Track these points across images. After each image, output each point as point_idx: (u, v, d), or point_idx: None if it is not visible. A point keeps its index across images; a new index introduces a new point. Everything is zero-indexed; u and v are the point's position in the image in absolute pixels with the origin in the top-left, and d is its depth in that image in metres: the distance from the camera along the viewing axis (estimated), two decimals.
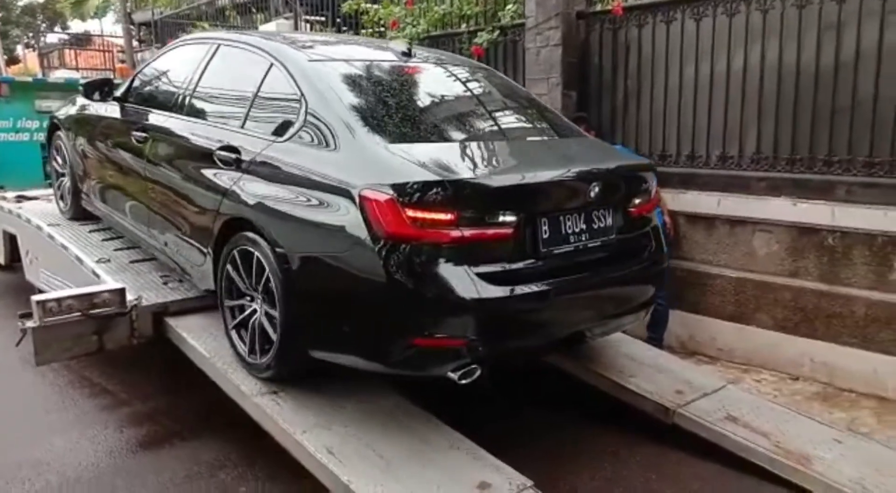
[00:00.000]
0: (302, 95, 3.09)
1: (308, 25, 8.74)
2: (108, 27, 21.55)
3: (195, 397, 3.77)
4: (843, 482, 2.89)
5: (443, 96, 3.51)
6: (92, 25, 23.86)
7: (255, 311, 3.10)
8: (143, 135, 3.94)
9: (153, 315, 3.59)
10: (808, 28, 4.10)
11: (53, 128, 5.26)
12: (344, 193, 2.68)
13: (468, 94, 3.63)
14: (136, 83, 4.43)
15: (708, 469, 3.18)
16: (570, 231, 2.91)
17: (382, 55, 3.68)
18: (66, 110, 5.16)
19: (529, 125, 3.60)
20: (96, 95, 4.47)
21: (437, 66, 3.74)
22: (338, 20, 8.10)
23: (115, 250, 4.41)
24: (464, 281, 2.60)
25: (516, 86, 4.11)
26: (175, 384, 4.02)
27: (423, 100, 3.44)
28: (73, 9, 20.12)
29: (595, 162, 3.16)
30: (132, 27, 15.60)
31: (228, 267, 3.21)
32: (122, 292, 3.45)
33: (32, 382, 4.21)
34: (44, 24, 28.75)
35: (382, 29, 6.85)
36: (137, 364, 4.36)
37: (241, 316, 3.20)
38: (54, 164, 5.25)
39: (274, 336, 2.97)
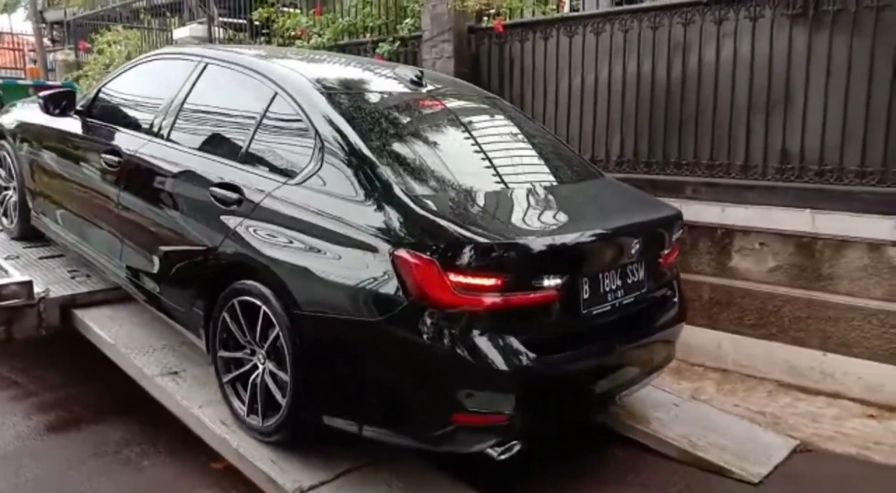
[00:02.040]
0: (316, 133, 2.80)
1: (222, 30, 8.91)
2: (18, 25, 20.84)
3: (100, 386, 3.98)
4: (673, 436, 3.41)
5: (465, 136, 3.24)
6: (1, 22, 23.00)
7: (255, 366, 2.88)
8: (116, 159, 3.58)
9: (60, 307, 3.82)
10: (660, 46, 4.68)
11: None
12: (374, 250, 2.46)
13: (489, 132, 3.41)
14: (102, 97, 4.06)
15: None
16: (607, 289, 2.73)
17: (395, 85, 3.40)
18: (10, 118, 4.74)
19: (554, 166, 3.35)
20: (54, 109, 4.11)
21: (450, 98, 3.48)
22: (255, 24, 8.31)
23: (24, 247, 4.57)
24: (510, 352, 2.42)
25: (525, 116, 3.97)
26: (80, 376, 4.19)
27: (446, 141, 3.13)
28: None
29: (633, 215, 3.01)
30: (44, 26, 15.26)
31: (225, 316, 2.93)
32: (29, 284, 3.66)
33: None
34: None
35: (292, 38, 7.15)
36: (44, 359, 4.49)
37: (238, 371, 2.96)
38: None
39: (281, 399, 2.74)
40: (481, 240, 2.36)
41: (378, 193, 2.57)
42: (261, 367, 2.85)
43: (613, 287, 2.75)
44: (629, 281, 2.83)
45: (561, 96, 5.20)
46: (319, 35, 6.63)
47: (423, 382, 2.46)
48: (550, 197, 3.01)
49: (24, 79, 11.86)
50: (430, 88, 3.40)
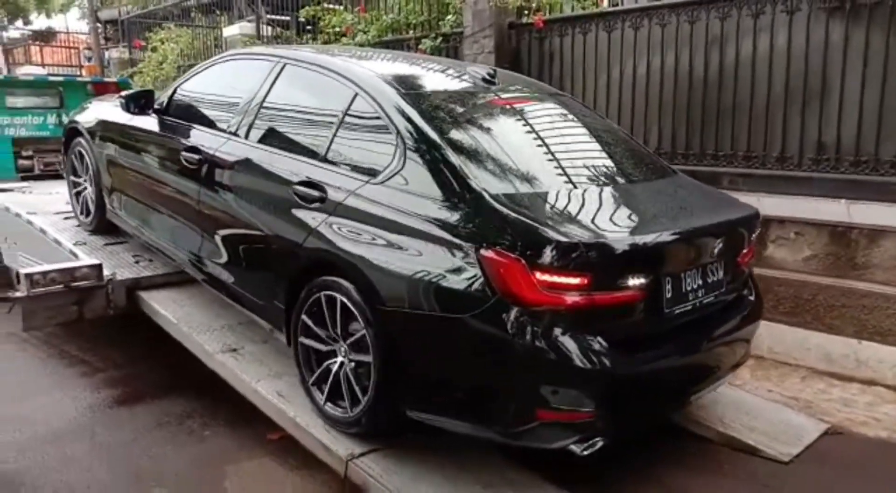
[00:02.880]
0: (398, 133, 2.86)
1: (269, 28, 9.20)
2: (73, 24, 21.61)
3: (160, 365, 4.26)
4: (708, 417, 3.53)
5: (541, 135, 3.25)
6: (56, 21, 23.86)
7: (336, 358, 2.97)
8: (197, 157, 3.67)
9: (126, 289, 4.10)
10: (698, 40, 4.77)
11: (72, 133, 4.99)
12: (459, 248, 2.52)
13: (563, 130, 3.41)
14: (178, 97, 4.17)
15: None
16: (689, 289, 2.75)
17: (468, 84, 3.43)
18: (88, 116, 4.88)
19: (629, 164, 3.35)
20: (134, 108, 4.23)
21: (522, 96, 3.54)
22: (299, 21, 8.58)
23: (90, 234, 4.89)
24: (596, 350, 2.46)
25: (596, 113, 4.02)
26: (141, 355, 4.47)
27: (523, 140, 3.17)
28: (39, 4, 20.16)
29: (714, 214, 3.02)
30: (98, 25, 15.85)
31: (307, 310, 3.03)
32: (99, 267, 3.95)
33: (14, 355, 4.63)
34: (5, 19, 28.54)
35: (338, 34, 7.39)
36: (108, 339, 4.79)
37: (323, 366, 3.04)
38: (73, 172, 5.05)
39: (363, 392, 2.83)
40: (567, 239, 2.40)
41: (461, 192, 2.63)
42: (342, 359, 2.93)
43: (695, 287, 2.77)
44: (709, 281, 2.85)
45: (600, 90, 5.32)
46: (364, 32, 6.85)
47: (508, 378, 2.49)
48: (630, 196, 3.01)
49: (82, 76, 12.37)
50: (502, 86, 3.45)
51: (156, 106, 4.21)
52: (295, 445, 3.21)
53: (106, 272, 4.04)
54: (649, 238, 2.61)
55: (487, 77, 3.43)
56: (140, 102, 4.22)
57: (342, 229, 2.86)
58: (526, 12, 5.76)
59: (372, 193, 2.82)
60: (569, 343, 2.43)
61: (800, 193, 4.33)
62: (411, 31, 6.68)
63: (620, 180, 3.15)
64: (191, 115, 4.02)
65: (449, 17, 6.16)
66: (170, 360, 4.14)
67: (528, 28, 5.72)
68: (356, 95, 3.10)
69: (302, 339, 3.10)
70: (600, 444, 2.58)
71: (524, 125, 3.27)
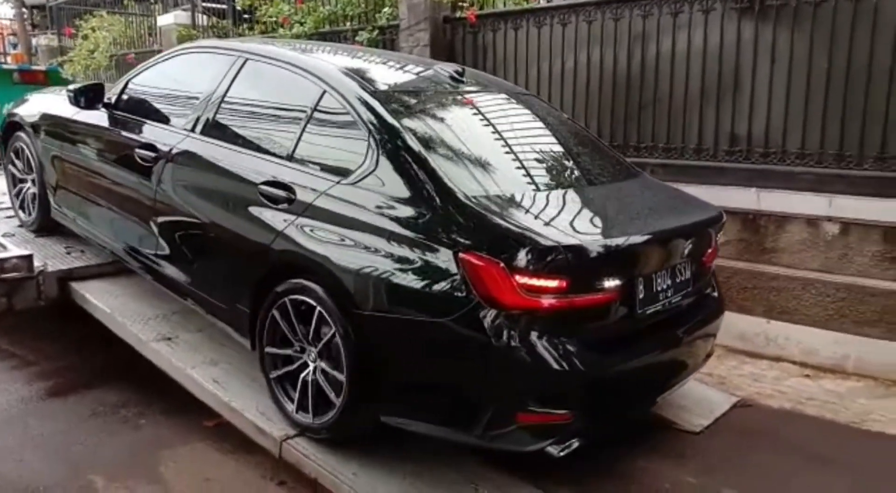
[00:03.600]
0: (370, 133, 2.81)
1: (205, 17, 9.09)
2: None
3: (94, 357, 4.24)
4: None
5: (512, 136, 3.24)
6: None
7: (305, 364, 2.91)
8: (152, 154, 3.54)
9: (58, 280, 4.08)
10: (622, 37, 4.99)
11: (12, 127, 4.75)
12: (437, 251, 2.49)
13: (533, 130, 3.43)
14: (130, 91, 4.02)
15: None
16: (659, 289, 2.80)
17: (438, 82, 3.39)
18: (30, 109, 4.64)
19: (598, 165, 3.37)
20: (82, 101, 4.03)
21: (492, 95, 3.53)
22: (236, 10, 8.51)
23: (18, 225, 4.81)
24: (574, 352, 2.47)
25: (561, 113, 4.05)
26: (75, 348, 4.43)
27: (496, 141, 3.16)
28: None
29: (684, 216, 3.07)
30: (24, 10, 15.28)
31: (275, 314, 2.95)
32: (29, 258, 3.92)
33: None
34: None
35: (275, 25, 7.37)
36: (40, 333, 4.71)
37: (287, 368, 2.97)
38: (12, 168, 4.80)
39: (335, 398, 2.77)
40: (548, 242, 2.40)
41: (438, 194, 2.59)
42: (312, 365, 2.87)
43: (665, 287, 2.82)
44: (678, 280, 2.90)
45: (531, 83, 5.49)
46: (301, 23, 6.86)
47: (488, 382, 2.48)
48: (602, 198, 3.04)
49: (8, 64, 11.94)
50: (470, 85, 3.45)
51: (106, 100, 4.05)
52: (231, 430, 3.27)
53: (37, 263, 4.01)
54: (625, 240, 2.64)
55: (456, 75, 3.42)
56: (89, 96, 4.04)
57: (312, 231, 2.79)
58: (460, 7, 5.89)
59: (344, 194, 2.76)
60: (548, 346, 2.43)
61: (715, 183, 4.60)
62: (348, 23, 6.73)
63: (591, 182, 3.17)
64: (144, 110, 3.88)
65: (385, 9, 6.25)
66: (104, 351, 4.14)
67: (462, 22, 5.85)
68: (324, 92, 3.03)
69: (268, 347, 3.03)
70: (577, 444, 2.61)
71: (496, 126, 3.26)
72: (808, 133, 4.31)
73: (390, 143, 2.77)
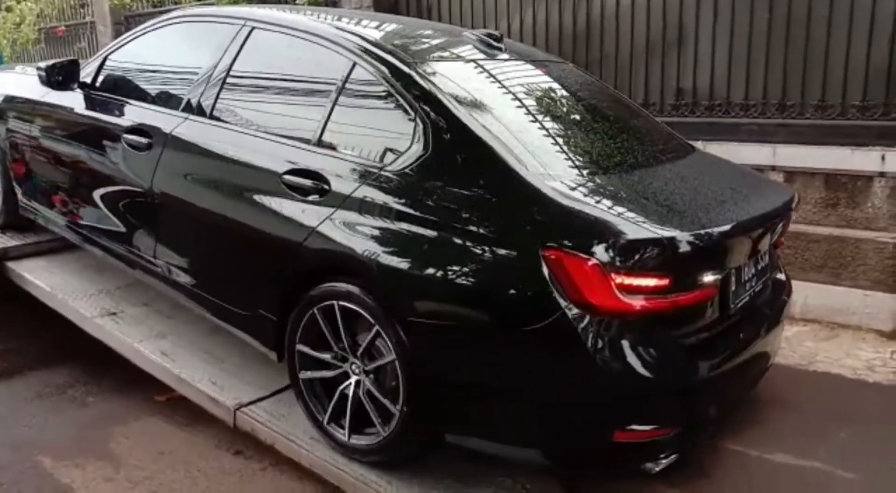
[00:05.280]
0: (416, 110, 2.43)
1: None
2: None
3: (36, 339, 4.08)
4: None
5: (563, 109, 2.89)
6: None
7: (344, 375, 2.56)
8: (145, 140, 3.12)
9: None
10: None
11: None
12: (518, 249, 2.13)
13: (586, 103, 3.02)
14: (110, 68, 3.55)
15: None
16: (746, 279, 2.51)
17: (477, 50, 2.98)
18: None
19: (658, 140, 2.96)
20: (55, 81, 3.58)
21: (534, 65, 3.11)
22: None
23: None
24: (680, 359, 2.21)
25: (601, 82, 3.63)
26: (15, 332, 4.22)
27: (553, 116, 2.78)
28: None
29: (769, 198, 2.68)
30: None
31: (308, 322, 2.58)
32: None
33: None
34: None
35: None
36: None
37: (321, 374, 2.63)
38: None
39: (385, 416, 2.43)
40: (650, 234, 2.05)
41: (508, 180, 2.23)
42: (354, 378, 2.52)
43: (750, 276, 2.55)
44: (759, 267, 2.64)
45: None
46: None
47: (583, 399, 2.16)
48: (676, 178, 2.63)
49: None
50: (509, 52, 3.07)
51: (82, 79, 3.60)
52: (183, 403, 3.20)
53: None
54: (728, 228, 2.27)
55: (493, 43, 3.04)
56: (63, 74, 3.57)
57: (356, 227, 2.41)
58: None
59: (390, 183, 2.39)
60: (652, 354, 2.11)
61: None
62: None
63: (657, 161, 2.73)
64: (129, 90, 3.43)
65: None
66: (47, 332, 4.00)
67: None
68: (354, 65, 2.63)
69: (302, 348, 2.65)
70: (674, 458, 2.32)
71: (546, 100, 2.86)
72: (751, 84, 4.36)
73: (444, 122, 2.38)
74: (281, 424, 2.80)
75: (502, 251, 2.16)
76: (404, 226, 2.33)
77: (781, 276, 3.02)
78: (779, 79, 4.26)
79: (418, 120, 2.42)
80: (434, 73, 2.59)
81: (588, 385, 2.13)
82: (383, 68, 2.58)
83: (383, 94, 2.56)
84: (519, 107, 2.69)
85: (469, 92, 2.56)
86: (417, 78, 2.53)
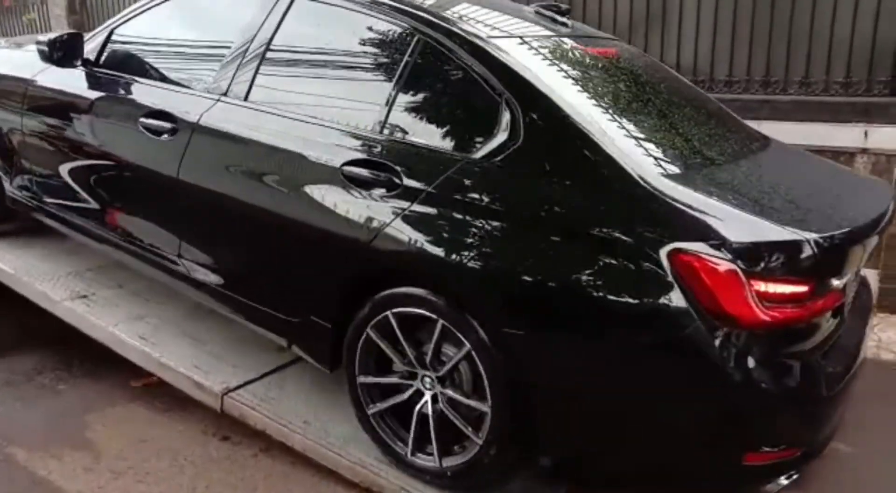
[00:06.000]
0: (502, 93, 2.16)
1: None
2: None
3: (6, 324, 3.83)
4: None
5: (644, 93, 2.58)
6: None
7: (417, 393, 2.31)
8: (168, 125, 2.76)
9: None
10: None
11: None
12: (638, 252, 1.88)
13: (659, 87, 2.70)
14: (117, 43, 3.18)
15: None
16: (850, 280, 2.28)
17: (547, 27, 2.72)
18: None
19: (737, 130, 2.71)
20: (60, 57, 3.16)
21: (604, 44, 2.85)
22: None
23: None
24: (818, 372, 2.02)
25: (659, 62, 3.40)
26: None
27: (641, 101, 2.51)
28: None
29: (874, 196, 2.44)
30: None
31: (371, 333, 2.30)
32: None
33: None
34: None
35: None
36: None
37: (393, 400, 2.36)
38: None
39: (474, 436, 2.18)
40: (795, 236, 1.84)
41: (620, 173, 1.98)
42: (428, 393, 2.28)
43: (853, 277, 2.33)
44: (860, 266, 2.40)
45: None
46: None
47: (714, 420, 1.94)
48: (777, 173, 2.44)
49: None
50: (576, 30, 2.84)
51: (86, 56, 3.19)
52: (163, 388, 3.06)
53: None
54: (859, 228, 2.07)
55: (560, 18, 2.80)
56: (64, 50, 3.14)
57: (434, 226, 2.14)
58: None
59: (475, 176, 2.13)
60: (791, 368, 1.94)
61: None
62: None
63: (750, 152, 2.51)
64: (144, 68, 3.06)
65: None
66: (12, 319, 3.76)
67: None
68: (422, 40, 2.35)
69: (362, 376, 2.41)
70: (795, 478, 2.15)
71: (630, 84, 2.56)
72: (735, 61, 4.35)
73: (537, 106, 2.13)
74: (272, 407, 2.68)
75: (618, 256, 1.90)
76: (496, 225, 2.06)
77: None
78: (762, 55, 4.26)
79: (506, 103, 2.15)
80: (517, 51, 2.33)
81: (722, 404, 1.92)
82: (460, 44, 2.29)
83: (460, 73, 2.27)
84: (606, 92, 2.42)
85: (556, 74, 2.33)
86: (501, 56, 2.25)
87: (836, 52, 4.03)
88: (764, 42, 4.23)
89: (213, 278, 2.78)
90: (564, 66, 2.45)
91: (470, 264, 2.06)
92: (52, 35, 3.20)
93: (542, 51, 2.46)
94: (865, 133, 3.94)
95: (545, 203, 2.03)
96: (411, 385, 2.32)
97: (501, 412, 2.10)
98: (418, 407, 2.29)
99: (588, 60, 2.58)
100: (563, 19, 2.82)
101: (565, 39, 2.67)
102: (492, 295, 2.09)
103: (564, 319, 2.01)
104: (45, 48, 3.14)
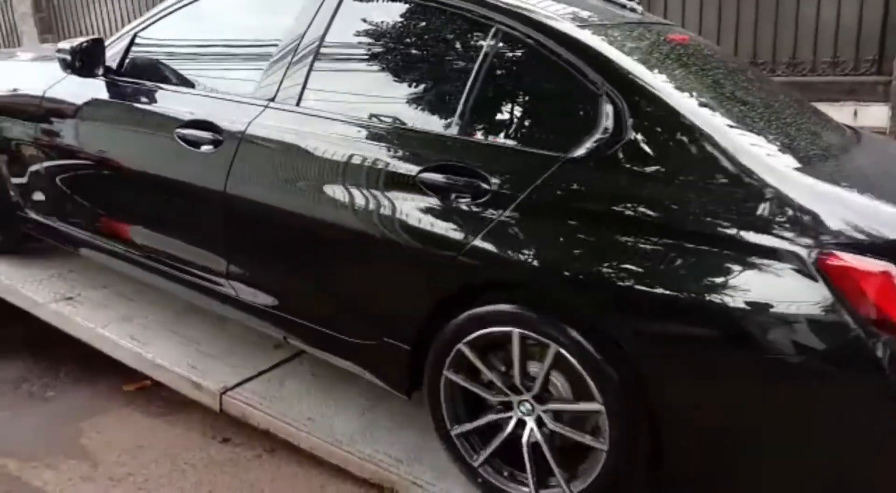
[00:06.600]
0: (605, 82, 1.96)
1: None
2: None
3: None
4: None
5: (740, 85, 2.42)
6: None
7: (512, 419, 2.10)
8: (210, 136, 2.52)
9: None
10: None
11: None
12: (775, 257, 1.70)
13: (736, 76, 2.50)
14: (142, 49, 2.93)
15: None
16: None
17: (621, 14, 2.55)
18: None
19: (826, 124, 2.53)
20: (82, 66, 2.88)
21: (677, 32, 2.66)
22: None
23: None
24: None
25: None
26: None
27: (732, 93, 2.32)
28: None
29: None
30: None
31: (464, 349, 2.07)
32: None
33: None
34: None
35: None
36: None
37: (499, 439, 2.11)
38: None
39: (597, 443, 1.96)
40: None
41: (748, 169, 1.79)
42: (531, 419, 2.07)
43: None
44: None
45: None
46: None
47: (880, 445, 1.72)
48: (888, 164, 2.34)
49: None
50: (648, 17, 2.71)
51: (108, 64, 2.91)
52: (156, 391, 2.98)
53: None
54: None
55: (628, 3, 2.65)
56: (84, 58, 2.85)
57: (534, 234, 1.94)
58: None
59: (579, 177, 1.92)
60: None
61: None
62: None
63: (851, 143, 2.37)
64: (174, 75, 2.85)
65: None
66: None
67: None
68: (501, 32, 2.13)
69: (451, 420, 2.17)
70: None
71: (719, 72, 2.39)
72: (721, 42, 4.34)
73: (644, 98, 1.93)
74: (274, 406, 2.61)
75: (752, 261, 1.71)
76: (607, 229, 1.86)
77: None
78: (749, 38, 4.26)
79: (606, 96, 1.95)
80: (608, 39, 2.14)
81: (887, 425, 1.69)
82: (546, 33, 2.08)
83: (549, 65, 2.06)
84: (705, 82, 2.26)
85: (654, 63, 2.16)
86: (595, 45, 2.05)
87: (823, 33, 4.05)
88: (751, 24, 4.23)
89: (265, 300, 2.56)
90: (657, 56, 2.27)
91: (586, 280, 1.85)
92: (73, 42, 2.91)
93: (631, 39, 2.28)
94: (855, 112, 3.97)
95: (663, 204, 1.82)
96: (510, 417, 2.10)
97: (617, 406, 1.89)
98: (526, 438, 2.07)
99: (674, 49, 2.40)
100: (632, 4, 2.67)
101: (652, 26, 2.52)
102: (605, 309, 1.87)
103: (697, 332, 1.80)
104: (67, 56, 2.86)
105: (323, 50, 2.43)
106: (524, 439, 2.06)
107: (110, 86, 2.90)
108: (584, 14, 2.34)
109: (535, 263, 1.92)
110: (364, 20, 2.45)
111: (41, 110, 3.10)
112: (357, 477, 2.40)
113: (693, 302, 1.75)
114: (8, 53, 3.27)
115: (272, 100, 2.47)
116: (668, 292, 1.76)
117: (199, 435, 2.78)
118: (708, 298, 1.73)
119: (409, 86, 2.35)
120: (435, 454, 2.36)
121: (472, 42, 2.21)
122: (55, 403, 3.10)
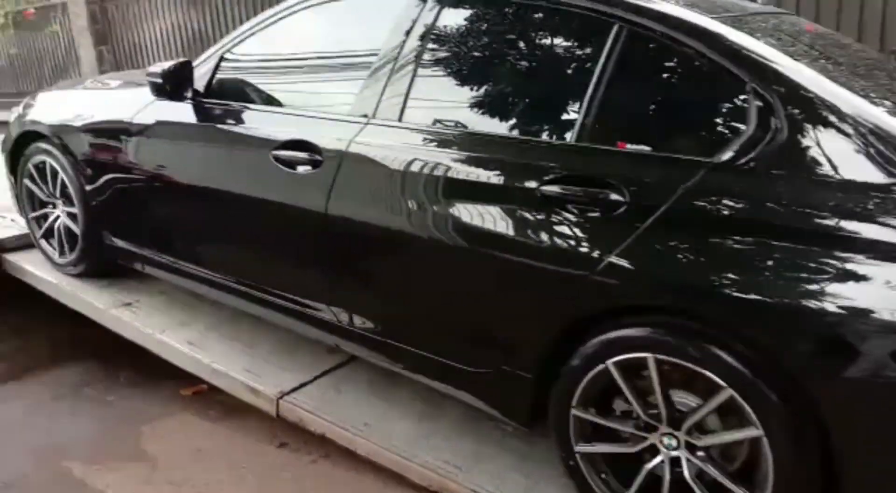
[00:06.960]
0: (752, 79, 1.77)
1: None
2: None
3: (49, 335, 3.80)
4: None
5: (880, 76, 2.18)
6: None
7: (653, 450, 1.93)
8: (307, 156, 2.40)
9: None
10: None
11: (26, 140, 3.42)
12: None
13: (853, 62, 2.25)
14: (230, 69, 2.81)
15: None
16: None
17: (748, 3, 2.42)
18: (56, 113, 3.34)
19: None
20: (173, 89, 2.80)
21: (798, 19, 2.53)
22: None
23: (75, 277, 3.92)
24: None
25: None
26: (17, 330, 3.95)
27: (874, 84, 2.07)
28: None
29: None
30: None
31: (617, 375, 1.89)
32: None
33: None
34: None
35: None
36: None
37: (641, 478, 1.93)
38: (31, 186, 3.48)
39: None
40: None
41: None
42: (683, 455, 1.88)
43: None
44: None
45: None
46: None
47: None
48: None
49: None
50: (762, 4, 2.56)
51: (196, 87, 2.82)
52: (214, 395, 3.00)
53: None
54: None
55: None
56: (172, 82, 2.78)
57: (679, 249, 1.77)
58: None
59: (729, 183, 1.73)
60: None
61: None
62: None
63: None
64: (265, 95, 2.76)
65: None
66: (55, 329, 3.72)
67: None
68: (626, 30, 1.94)
69: (581, 444, 2.02)
70: None
71: (857, 64, 2.19)
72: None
73: (797, 95, 1.73)
74: (331, 410, 2.58)
75: None
76: (768, 240, 1.66)
77: None
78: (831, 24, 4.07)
79: (757, 93, 1.76)
80: (746, 32, 1.93)
81: None
82: (678, 29, 1.89)
83: (682, 63, 1.91)
84: (854, 76, 2.05)
85: (797, 56, 1.95)
86: (738, 39, 1.86)
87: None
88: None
89: (368, 325, 2.45)
90: (802, 48, 2.07)
91: (745, 297, 1.65)
92: (163, 65, 2.82)
93: (768, 31, 2.09)
94: None
95: (831, 210, 1.62)
96: (650, 441, 1.92)
97: (781, 437, 1.69)
98: (668, 476, 1.89)
99: (814, 40, 2.20)
100: None
101: (781, 16, 2.34)
102: (779, 334, 1.66)
103: (878, 354, 1.57)
104: (159, 80, 2.79)
105: (424, 61, 2.30)
106: (666, 476, 1.88)
107: (199, 108, 2.80)
108: (703, 5, 2.12)
109: (686, 280, 1.74)
110: (467, 27, 2.31)
111: (129, 137, 3.03)
112: (415, 484, 2.36)
113: (875, 324, 1.55)
114: (99, 81, 3.25)
115: (372, 116, 2.35)
116: (842, 311, 1.57)
117: (256, 440, 2.79)
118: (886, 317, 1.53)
119: (520, 94, 2.22)
120: (493, 461, 2.31)
121: (593, 43, 2.03)
122: (115, 406, 3.16)
